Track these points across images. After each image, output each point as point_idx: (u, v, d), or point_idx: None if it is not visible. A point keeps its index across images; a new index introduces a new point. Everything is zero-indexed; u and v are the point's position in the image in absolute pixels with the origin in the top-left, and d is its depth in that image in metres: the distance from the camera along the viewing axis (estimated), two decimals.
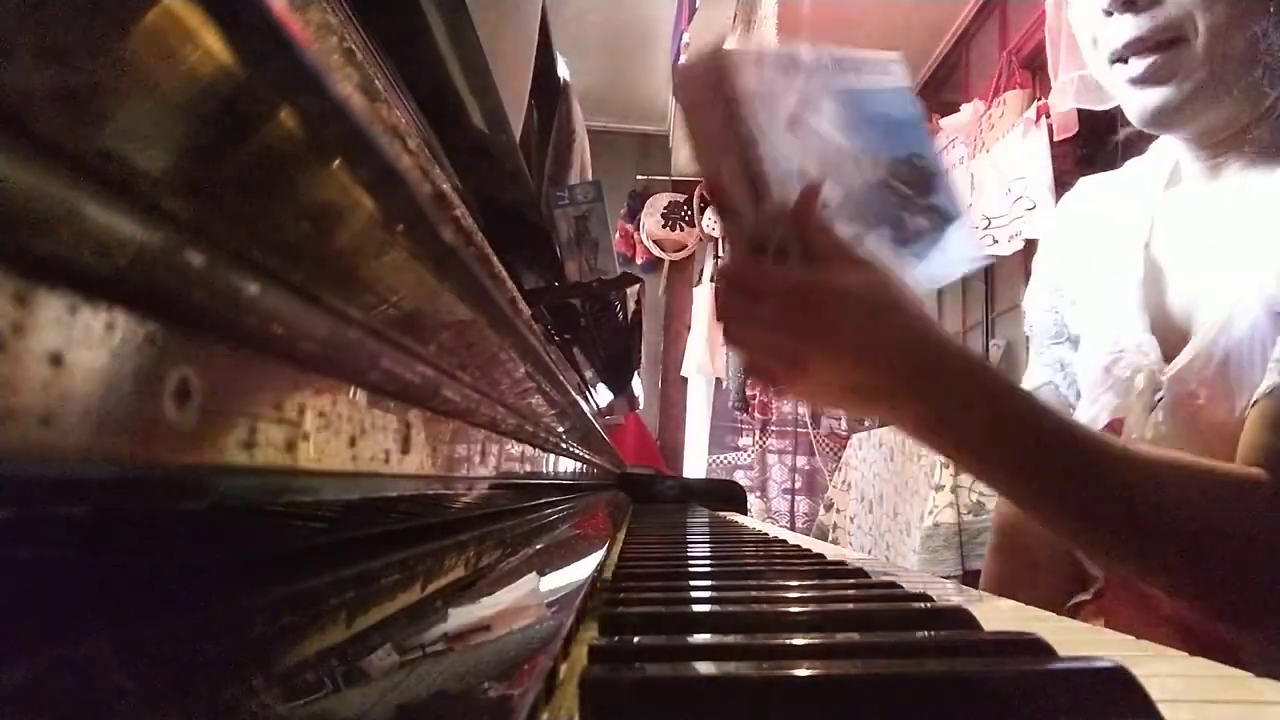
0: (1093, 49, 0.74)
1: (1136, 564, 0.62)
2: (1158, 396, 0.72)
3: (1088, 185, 0.93)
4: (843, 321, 0.55)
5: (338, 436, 0.19)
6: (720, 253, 4.23)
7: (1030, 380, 0.92)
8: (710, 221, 4.10)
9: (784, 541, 0.89)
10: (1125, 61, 0.70)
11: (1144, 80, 0.70)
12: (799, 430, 4.06)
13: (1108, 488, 0.57)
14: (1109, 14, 0.70)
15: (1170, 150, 0.81)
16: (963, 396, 0.57)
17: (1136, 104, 0.71)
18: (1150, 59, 0.69)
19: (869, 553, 2.83)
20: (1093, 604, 0.84)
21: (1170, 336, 0.74)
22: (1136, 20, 0.68)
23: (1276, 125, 0.70)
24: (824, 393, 0.62)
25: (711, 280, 4.22)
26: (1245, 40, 0.66)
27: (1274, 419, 0.61)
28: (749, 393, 4.02)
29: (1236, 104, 0.69)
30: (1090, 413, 0.79)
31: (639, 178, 4.29)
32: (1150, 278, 0.78)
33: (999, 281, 3.31)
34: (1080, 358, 0.86)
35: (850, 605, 0.44)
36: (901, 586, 0.49)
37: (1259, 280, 0.66)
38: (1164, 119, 0.72)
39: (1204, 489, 0.58)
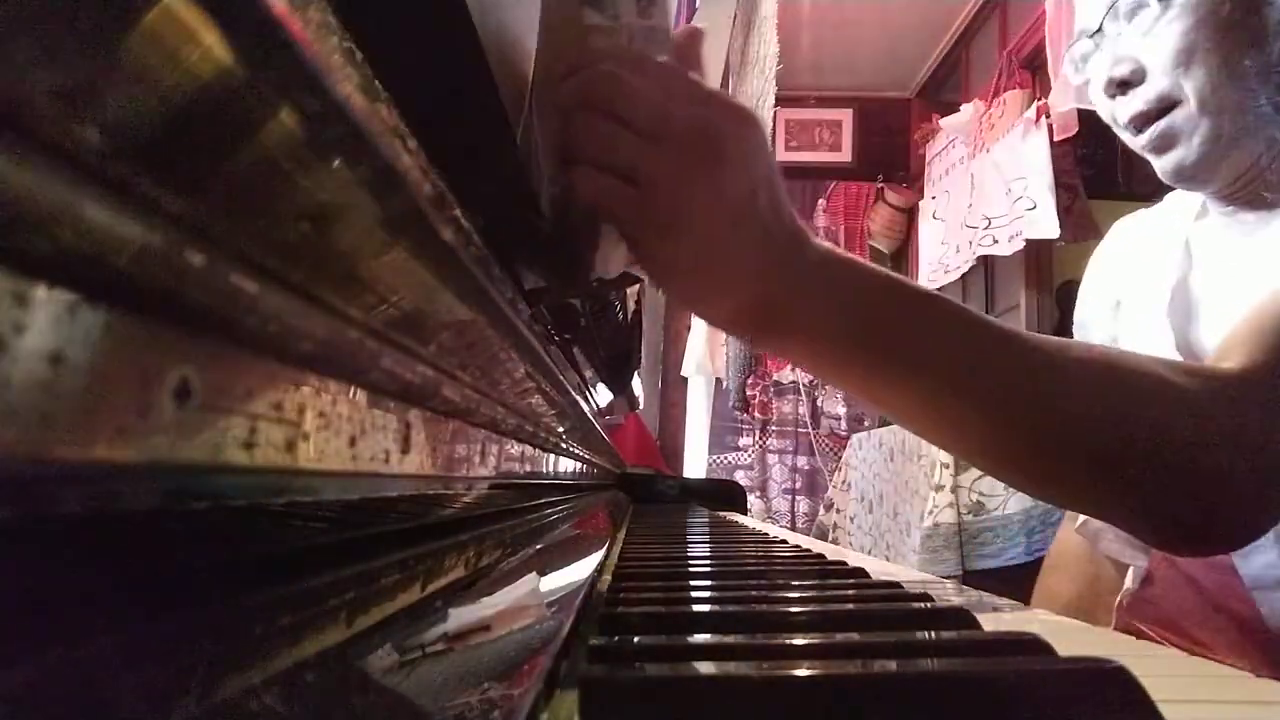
0: (1114, 124, 0.81)
1: (1076, 490, 0.54)
2: None
3: (1123, 225, 0.99)
4: (736, 158, 0.42)
5: (338, 436, 0.19)
6: None
7: None
8: None
9: (784, 541, 0.89)
10: (1138, 132, 0.77)
11: (1156, 148, 0.77)
12: (799, 430, 4.06)
13: (1044, 398, 0.48)
14: (1111, 96, 0.78)
15: None
16: (857, 285, 0.46)
17: (1158, 167, 0.78)
18: (1154, 128, 0.75)
19: (869, 553, 2.82)
20: (1141, 592, 0.86)
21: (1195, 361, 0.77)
22: (1130, 100, 0.76)
23: None
24: (667, 265, 0.45)
25: None
26: (1235, 91, 0.72)
27: (1257, 324, 0.58)
28: (749, 393, 4.02)
29: (1247, 150, 0.74)
30: None
31: None
32: (1176, 308, 0.83)
33: (998, 281, 3.32)
34: None
35: (850, 605, 0.44)
36: (902, 586, 0.49)
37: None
38: (1185, 177, 0.77)
39: (1153, 385, 0.50)
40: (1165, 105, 0.74)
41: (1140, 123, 0.76)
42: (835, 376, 0.49)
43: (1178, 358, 0.78)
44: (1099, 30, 0.78)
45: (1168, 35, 0.72)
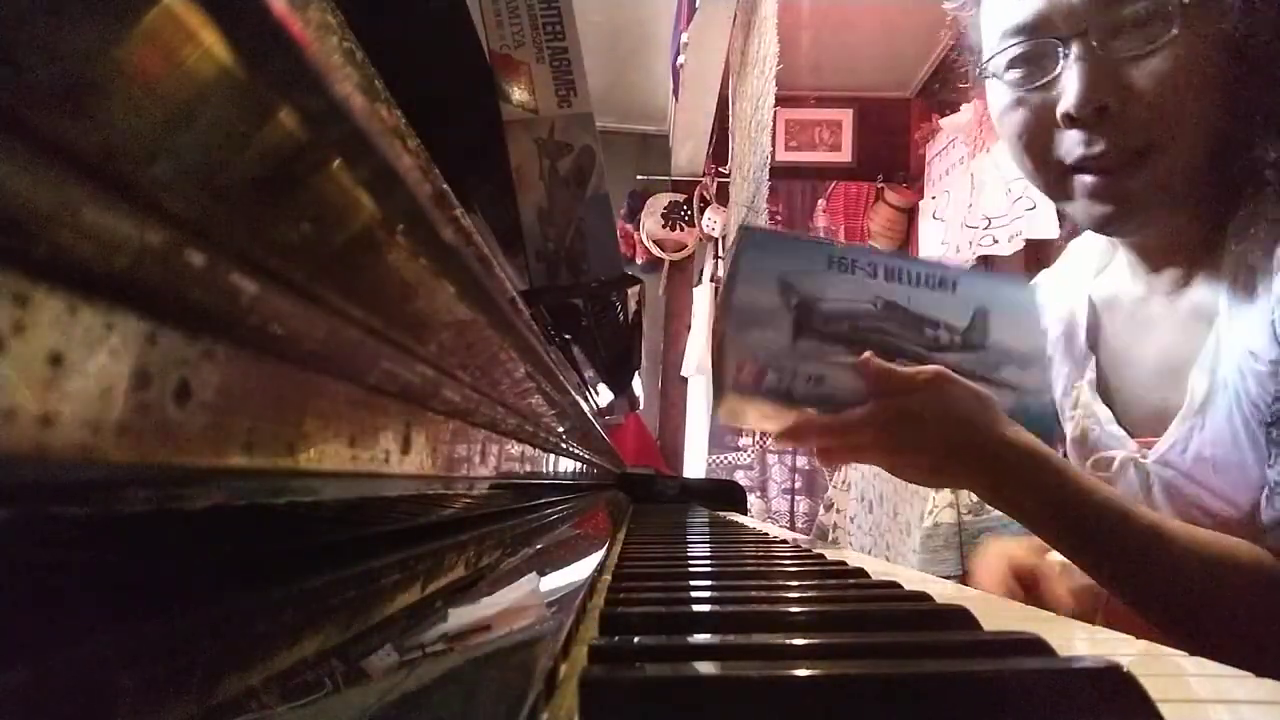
0: (1031, 153, 0.70)
1: (1185, 638, 0.62)
2: (1150, 484, 0.73)
3: (1039, 281, 0.91)
4: (930, 430, 0.67)
5: (338, 436, 0.19)
6: (720, 252, 4.23)
7: None
8: (710, 221, 4.10)
9: (784, 541, 0.89)
10: (1085, 172, 0.67)
11: (1100, 196, 0.67)
12: None
13: (1158, 571, 0.61)
14: (1069, 124, 0.65)
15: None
16: (1022, 480, 0.65)
17: (1085, 212, 0.69)
18: (1110, 177, 0.66)
19: (869, 553, 2.83)
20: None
21: (1138, 430, 0.74)
22: (1093, 137, 0.65)
23: (1225, 239, 0.66)
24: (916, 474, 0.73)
25: (712, 280, 4.22)
26: (1207, 156, 0.64)
27: None
28: None
29: (1190, 218, 0.68)
30: None
31: (639, 178, 4.29)
32: (1102, 377, 0.78)
33: None
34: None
35: (850, 605, 0.44)
36: (902, 586, 0.49)
37: (1223, 381, 0.65)
38: (1113, 229, 0.71)
39: (1251, 578, 0.60)
40: (1133, 152, 0.64)
41: (1100, 163, 0.66)
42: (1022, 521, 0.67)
43: (1120, 440, 0.75)
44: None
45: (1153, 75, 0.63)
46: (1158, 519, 0.63)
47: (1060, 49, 0.65)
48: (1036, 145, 0.69)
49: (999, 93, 0.72)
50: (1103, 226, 0.70)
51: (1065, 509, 0.63)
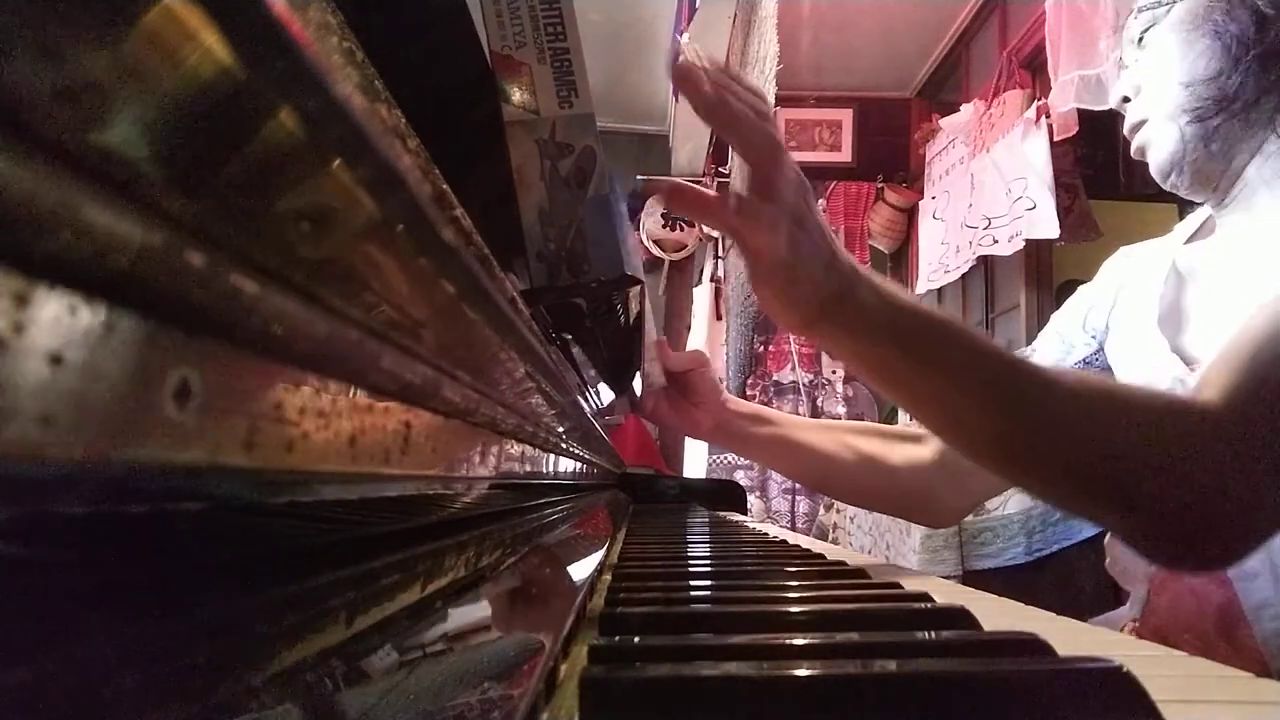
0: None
1: (1070, 498, 0.60)
2: None
3: (1115, 258, 1.01)
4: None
5: (338, 436, 0.19)
6: (720, 252, 4.23)
7: None
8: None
9: (784, 541, 0.89)
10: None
11: (1140, 153, 0.86)
12: None
13: (1037, 414, 0.56)
14: (1123, 109, 0.88)
15: (1202, 210, 0.91)
16: (885, 314, 0.57)
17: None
18: (1135, 137, 0.86)
19: (869, 553, 2.82)
20: (1144, 620, 0.87)
21: (1190, 364, 0.80)
22: (1127, 111, 0.87)
23: (1259, 165, 0.80)
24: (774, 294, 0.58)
25: (712, 280, 4.22)
26: (1195, 99, 0.79)
27: (1235, 351, 0.59)
28: (749, 393, 4.02)
29: (1217, 156, 0.80)
30: None
31: (639, 178, 4.29)
32: (1167, 318, 0.85)
33: (999, 282, 3.31)
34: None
35: (850, 605, 0.44)
36: (902, 586, 0.49)
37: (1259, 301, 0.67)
38: (1164, 176, 0.84)
39: (1141, 418, 0.56)
40: (1142, 118, 0.85)
41: (1130, 132, 0.87)
42: (867, 373, 0.60)
43: (1173, 365, 0.81)
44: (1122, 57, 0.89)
45: (1149, 54, 0.83)
46: (1018, 361, 0.58)
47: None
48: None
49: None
50: (1159, 176, 0.85)
51: (930, 345, 0.57)
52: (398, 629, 0.23)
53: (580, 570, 0.47)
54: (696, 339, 4.14)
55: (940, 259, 3.38)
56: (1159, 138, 0.83)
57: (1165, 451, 0.55)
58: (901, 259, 3.95)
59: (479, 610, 0.30)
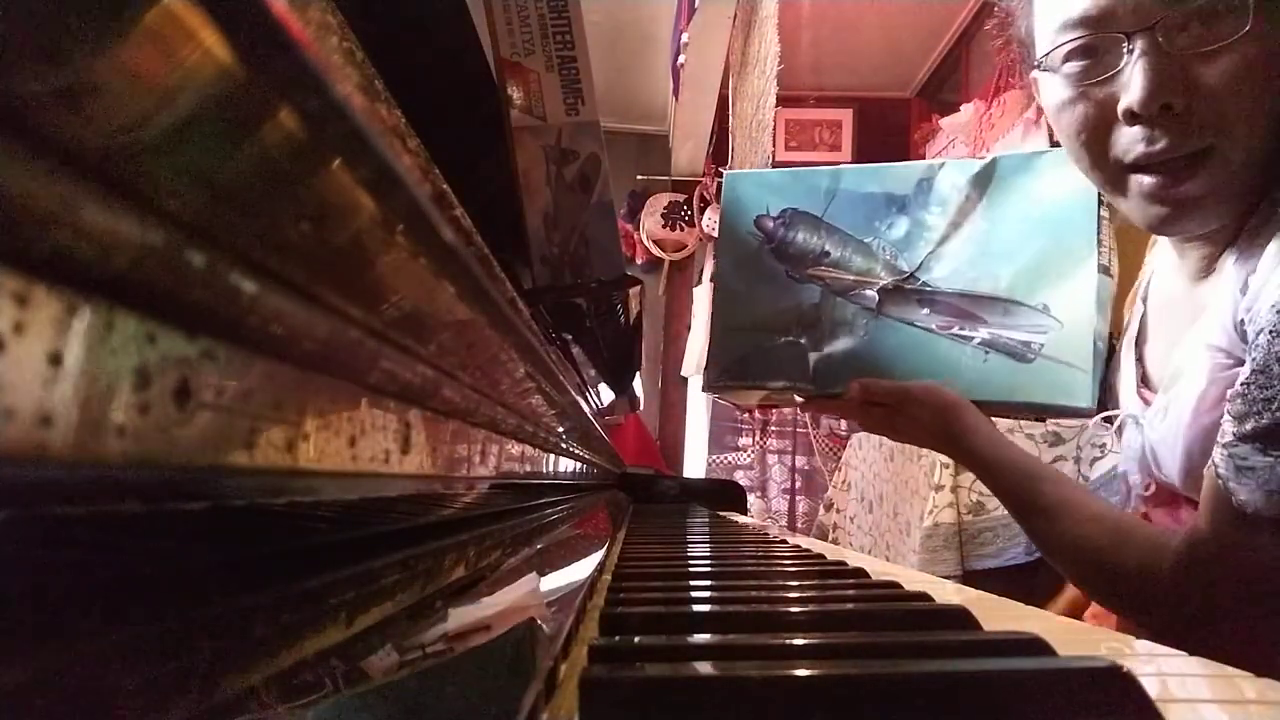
0: (1090, 149, 0.68)
1: (1088, 588, 0.79)
2: (1144, 443, 0.76)
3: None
4: (916, 429, 0.88)
5: (338, 436, 0.19)
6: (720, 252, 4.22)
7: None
8: (710, 221, 4.10)
9: (784, 541, 0.89)
10: (1144, 172, 0.65)
11: (1157, 198, 0.65)
12: (799, 430, 4.06)
13: (1054, 529, 0.75)
14: (1132, 121, 0.63)
15: None
16: (982, 465, 0.84)
17: (1141, 212, 0.67)
18: (1168, 178, 0.64)
19: (869, 553, 2.82)
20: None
21: (1150, 395, 0.78)
22: (1155, 134, 0.63)
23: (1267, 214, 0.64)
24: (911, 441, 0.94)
25: (712, 280, 4.21)
26: (1265, 156, 0.62)
27: (1207, 495, 0.62)
28: None
29: (1240, 207, 0.65)
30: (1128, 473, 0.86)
31: (639, 178, 4.28)
32: (1140, 337, 0.82)
33: None
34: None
35: (850, 605, 0.44)
36: (902, 586, 0.49)
37: (1205, 339, 0.66)
38: (1168, 230, 0.69)
39: (1123, 547, 0.69)
40: (1197, 150, 0.62)
41: (1162, 160, 0.64)
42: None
43: (1134, 391, 0.79)
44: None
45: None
46: (1068, 494, 0.77)
47: (1124, 44, 0.63)
48: (1095, 142, 0.67)
49: (1055, 87, 0.69)
50: (1158, 227, 0.69)
51: (1003, 484, 0.81)
52: (398, 629, 0.23)
53: (580, 570, 0.47)
54: (696, 339, 4.14)
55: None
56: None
57: (1159, 584, 0.66)
58: None
59: (479, 610, 0.30)
